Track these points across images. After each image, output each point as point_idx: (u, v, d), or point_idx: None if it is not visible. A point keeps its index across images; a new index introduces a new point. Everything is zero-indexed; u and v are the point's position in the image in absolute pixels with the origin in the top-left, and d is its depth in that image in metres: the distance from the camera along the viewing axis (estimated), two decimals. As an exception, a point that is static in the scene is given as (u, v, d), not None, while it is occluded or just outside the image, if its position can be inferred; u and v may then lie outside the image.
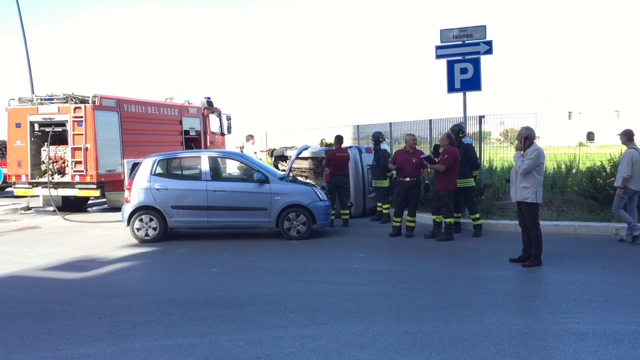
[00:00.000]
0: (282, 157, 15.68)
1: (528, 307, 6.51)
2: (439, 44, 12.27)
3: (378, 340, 5.31)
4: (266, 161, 16.11)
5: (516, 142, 8.81)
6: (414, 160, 11.08)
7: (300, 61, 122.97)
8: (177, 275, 8.42)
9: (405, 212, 11.30)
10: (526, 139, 8.31)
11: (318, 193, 11.33)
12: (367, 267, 8.62)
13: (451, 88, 12.27)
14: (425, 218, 12.58)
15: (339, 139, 13.29)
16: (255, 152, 15.67)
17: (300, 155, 13.64)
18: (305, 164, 14.76)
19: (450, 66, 12.17)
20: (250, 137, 16.30)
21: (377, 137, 13.62)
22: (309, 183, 12.81)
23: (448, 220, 10.68)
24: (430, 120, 15.21)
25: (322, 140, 16.05)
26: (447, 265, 8.88)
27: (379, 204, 13.26)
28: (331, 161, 12.90)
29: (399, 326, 5.71)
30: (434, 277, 8.06)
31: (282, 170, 14.22)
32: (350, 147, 14.55)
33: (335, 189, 12.87)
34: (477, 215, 11.16)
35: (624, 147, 10.14)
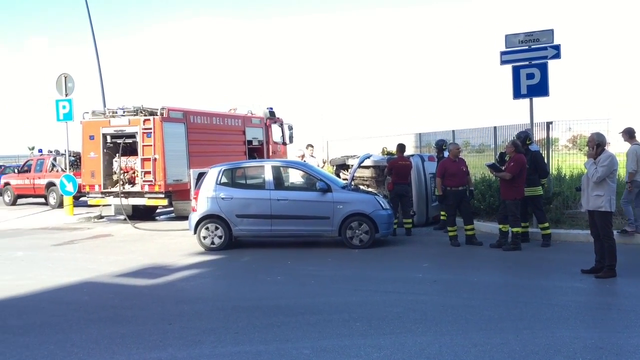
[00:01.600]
0: (344, 166, 15.71)
1: (603, 320, 6.24)
2: (504, 49, 12.01)
3: (445, 351, 5.22)
4: (327, 170, 16.18)
5: (586, 148, 8.50)
6: (463, 169, 11.07)
7: (361, 69, 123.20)
8: (243, 283, 8.57)
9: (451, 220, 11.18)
10: (598, 145, 8.00)
11: (380, 202, 11.29)
12: (431, 277, 8.50)
13: (517, 94, 11.97)
14: (490, 227, 12.30)
15: (401, 147, 13.21)
16: (319, 163, 15.78)
17: (362, 164, 13.63)
18: (367, 173, 14.73)
19: (516, 72, 11.88)
20: (309, 147, 16.43)
21: (441, 145, 13.45)
22: (371, 192, 12.77)
23: (515, 229, 10.40)
24: (495, 127, 14.89)
25: (383, 149, 15.97)
26: (514, 275, 8.64)
27: (442, 213, 13.06)
28: (393, 169, 12.83)
29: (466, 338, 5.60)
30: (501, 288, 7.86)
31: (344, 179, 14.25)
32: (412, 155, 14.42)
33: (398, 197, 12.78)
34: (546, 225, 10.81)
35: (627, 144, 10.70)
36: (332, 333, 5.84)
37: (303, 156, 15.88)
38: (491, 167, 10.75)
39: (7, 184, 22.89)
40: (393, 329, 5.93)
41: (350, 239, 11.00)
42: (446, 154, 13.53)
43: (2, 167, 28.77)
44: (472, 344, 5.41)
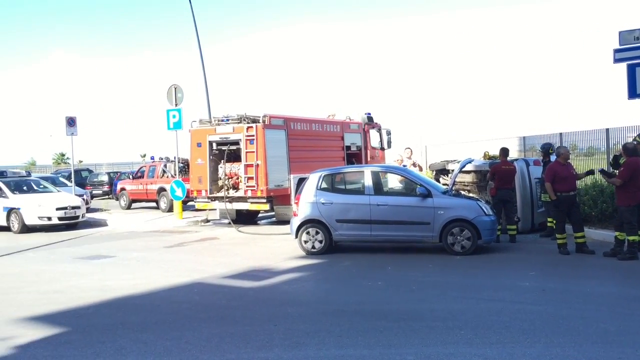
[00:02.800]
0: (444, 171, 15.44)
1: None
2: (617, 47, 11.34)
3: (556, 364, 5.01)
4: (427, 175, 15.98)
5: None
6: (574, 173, 10.65)
7: (461, 71, 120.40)
8: (344, 287, 8.66)
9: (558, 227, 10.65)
10: None
11: (483, 207, 11.00)
12: (539, 286, 8.17)
13: (632, 94, 11.26)
14: (602, 235, 11.63)
15: (504, 151, 12.80)
16: (414, 166, 15.63)
17: (463, 169, 13.34)
18: (468, 178, 14.40)
19: (631, 70, 11.18)
20: (408, 150, 16.29)
21: (547, 149, 12.89)
22: (473, 197, 12.49)
23: (631, 238, 9.75)
24: (607, 130, 14.06)
25: (485, 153, 15.54)
26: (631, 287, 8.12)
27: (549, 219, 12.50)
28: (496, 174, 12.46)
29: (580, 351, 5.33)
30: (617, 299, 7.40)
31: (444, 184, 14.01)
32: (516, 159, 13.93)
33: (501, 203, 12.39)
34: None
35: None
36: (436, 340, 5.77)
37: (401, 161, 15.80)
38: (602, 173, 10.25)
39: (122, 189, 24.51)
40: (500, 339, 5.76)
41: (452, 245, 10.80)
42: (553, 157, 12.96)
43: (118, 174, 30.85)
44: (587, 357, 5.15)
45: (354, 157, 20.08)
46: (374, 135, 21.49)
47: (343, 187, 11.97)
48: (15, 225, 16.96)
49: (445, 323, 6.35)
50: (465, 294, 7.82)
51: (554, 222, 12.13)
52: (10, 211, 17.05)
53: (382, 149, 22.02)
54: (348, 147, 19.71)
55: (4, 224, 17.16)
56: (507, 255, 10.87)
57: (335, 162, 17.77)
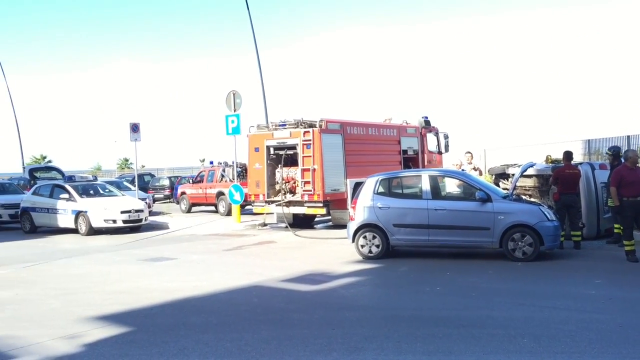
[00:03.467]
0: (503, 175, 15.10)
1: None
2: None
3: (626, 376, 4.81)
4: (486, 179, 15.66)
5: None
6: None
7: (521, 73, 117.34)
8: (402, 292, 8.60)
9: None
10: None
11: (546, 213, 10.69)
12: (606, 294, 7.87)
13: None
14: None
15: (567, 154, 12.41)
16: (475, 170, 15.35)
17: (524, 173, 13.01)
18: (529, 182, 14.01)
19: None
20: (468, 154, 16.02)
21: (617, 152, 12.39)
22: (535, 202, 12.15)
23: None
24: (679, 131, 13.42)
25: (547, 157, 15.10)
26: None
27: (615, 225, 12.02)
28: (559, 179, 12.09)
29: (651, 363, 5.11)
30: (692, 310, 7.04)
31: (504, 189, 13.70)
32: (580, 163, 13.47)
33: (565, 208, 12.00)
34: None
35: None
36: (498, 348, 5.65)
37: (460, 165, 15.55)
38: None
39: (183, 193, 25.14)
40: (564, 348, 5.58)
41: (513, 251, 10.54)
42: (622, 161, 12.48)
43: (179, 178, 31.65)
44: (659, 370, 4.92)
45: (410, 161, 19.92)
46: (431, 139, 21.26)
47: (400, 191, 11.89)
48: (82, 228, 17.67)
49: (507, 331, 6.21)
50: (527, 302, 7.62)
51: (621, 228, 11.66)
52: (78, 214, 17.78)
53: (440, 153, 21.75)
54: (405, 151, 19.58)
55: (73, 226, 17.91)
56: (571, 262, 10.52)
57: (392, 167, 17.66)
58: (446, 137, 21.88)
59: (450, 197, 11.63)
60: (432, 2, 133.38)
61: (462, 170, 14.64)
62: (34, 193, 19.79)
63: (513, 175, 13.88)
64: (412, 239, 11.38)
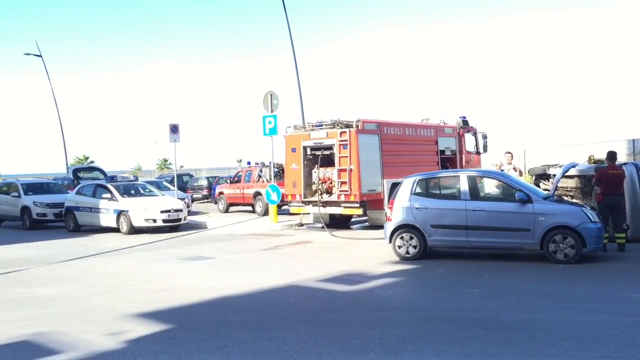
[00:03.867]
0: (544, 176, 14.81)
1: None
2: None
3: (674, 382, 4.67)
4: (526, 179, 15.39)
5: None
6: None
7: (562, 72, 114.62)
8: (440, 294, 8.52)
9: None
10: None
11: (588, 214, 10.44)
12: (653, 299, 7.64)
13: None
14: None
15: (611, 154, 12.10)
16: (515, 170, 15.10)
17: (565, 173, 12.74)
18: (571, 183, 13.71)
19: None
20: (508, 154, 15.76)
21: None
22: (577, 203, 11.89)
23: None
24: None
25: (590, 157, 14.75)
26: None
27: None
28: (602, 179, 11.79)
29: (701, 369, 4.94)
30: None
31: (545, 190, 13.44)
32: (625, 163, 13.10)
33: (608, 209, 11.69)
34: None
35: None
36: (539, 352, 5.55)
37: (500, 165, 15.32)
38: None
39: (221, 193, 25.43)
40: (609, 353, 5.45)
41: (554, 253, 10.32)
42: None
43: (217, 178, 32.03)
44: None
45: (448, 161, 19.72)
46: (469, 140, 21.01)
47: (438, 192, 11.77)
48: (124, 227, 18.05)
49: (548, 334, 6.09)
50: (569, 305, 7.46)
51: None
52: (120, 213, 18.17)
53: (478, 153, 21.47)
54: (442, 152, 19.39)
55: (114, 225, 18.32)
56: (615, 265, 10.26)
57: (429, 167, 17.51)
58: (484, 137, 21.58)
59: (489, 198, 11.47)
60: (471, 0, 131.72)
61: (502, 170, 14.42)
62: (77, 193, 20.30)
63: (554, 175, 13.61)
64: (450, 240, 11.27)
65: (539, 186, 14.39)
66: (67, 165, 42.20)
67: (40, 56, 41.69)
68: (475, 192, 11.22)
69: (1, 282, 10.39)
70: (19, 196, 21.34)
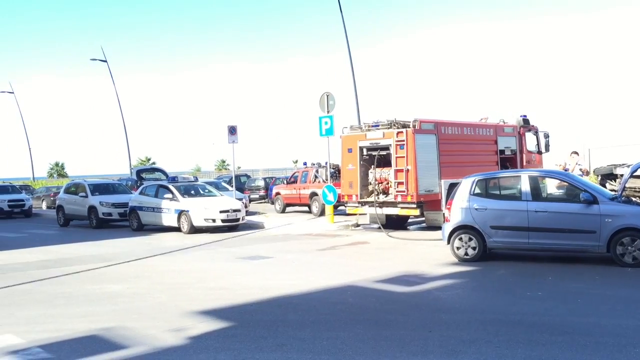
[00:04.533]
0: (610, 176, 14.29)
1: None
2: None
3: None
4: (591, 180, 14.87)
5: None
6: None
7: (628, 68, 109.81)
8: (500, 296, 8.35)
9: None
10: None
11: (659, 216, 9.98)
12: None
13: None
14: None
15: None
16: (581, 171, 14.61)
17: (634, 173, 12.22)
18: (640, 183, 13.14)
19: None
20: (574, 154, 15.26)
21: None
22: (646, 204, 11.36)
23: None
24: None
25: (661, 156, 14.13)
26: None
27: None
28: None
29: None
30: None
31: (612, 190, 12.94)
32: (699, 162, 12.44)
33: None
34: None
35: None
36: (606, 357, 5.37)
37: (565, 165, 14.87)
38: None
39: (277, 193, 25.74)
40: (683, 361, 5.20)
41: (622, 256, 9.93)
42: None
43: (273, 179, 32.42)
44: None
45: (508, 161, 19.26)
46: (530, 139, 20.44)
47: (498, 192, 11.53)
48: (184, 226, 18.53)
49: (617, 340, 5.87)
50: (639, 310, 7.16)
51: None
52: (180, 213, 18.66)
53: (540, 152, 20.86)
54: (502, 151, 18.95)
55: (175, 224, 18.83)
56: (688, 269, 9.76)
57: (488, 167, 17.15)
58: (546, 136, 20.95)
59: (552, 199, 11.16)
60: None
61: (566, 170, 13.98)
62: (140, 193, 20.98)
63: (621, 175, 13.09)
64: (510, 242, 11.01)
65: (605, 186, 13.89)
66: (130, 166, 43.70)
67: (106, 61, 43.39)
68: (537, 193, 10.92)
69: (71, 279, 10.87)
70: (86, 196, 22.25)
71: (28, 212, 29.75)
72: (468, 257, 11.10)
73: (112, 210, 21.63)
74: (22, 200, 29.97)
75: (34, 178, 57.49)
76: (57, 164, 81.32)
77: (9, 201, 29.47)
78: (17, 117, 56.19)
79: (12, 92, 54.33)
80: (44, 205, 34.49)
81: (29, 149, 56.35)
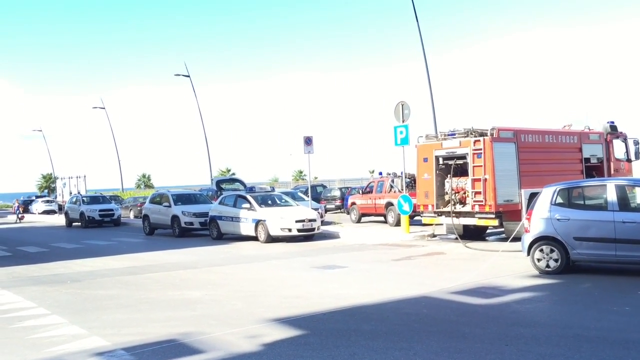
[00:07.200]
0: None
1: None
2: None
3: None
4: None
5: None
6: None
7: None
8: (584, 311, 7.97)
9: None
10: None
11: None
12: None
13: None
14: None
15: None
16: None
17: None
18: None
19: None
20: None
21: None
22: None
23: None
24: None
25: None
26: None
27: None
28: None
29: None
30: None
31: None
32: None
33: None
34: None
35: None
36: (701, 379, 5.00)
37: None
38: None
39: (353, 203, 25.78)
40: None
41: None
42: None
43: (349, 189, 32.53)
44: None
45: (594, 169, 18.37)
46: (618, 146, 19.42)
47: (581, 202, 11.02)
48: (261, 236, 18.91)
49: None
50: None
51: None
52: (258, 223, 19.08)
53: (629, 160, 19.76)
54: (587, 160, 18.10)
55: (253, 234, 19.26)
56: None
57: (572, 176, 16.43)
58: (636, 143, 19.82)
59: (642, 209, 10.54)
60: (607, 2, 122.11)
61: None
62: (220, 203, 21.63)
63: None
64: (595, 254, 10.48)
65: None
66: (211, 177, 45.14)
67: (189, 76, 45.13)
68: (625, 203, 10.35)
69: (155, 285, 11.35)
70: (170, 206, 23.21)
71: (117, 221, 31.40)
72: (549, 269, 10.68)
73: (194, 220, 22.41)
74: (112, 210, 31.68)
75: (122, 189, 60.55)
76: (144, 175, 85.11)
77: (100, 211, 31.24)
78: (107, 131, 59.13)
79: (103, 108, 57.44)
80: (131, 215, 36.26)
81: (119, 160, 59.34)
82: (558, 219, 10.66)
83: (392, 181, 23.67)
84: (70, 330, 7.72)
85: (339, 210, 31.59)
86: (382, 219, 23.93)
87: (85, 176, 38.91)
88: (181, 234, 22.42)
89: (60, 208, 41.00)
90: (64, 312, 8.89)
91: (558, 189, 10.98)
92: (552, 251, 10.69)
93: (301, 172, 70.67)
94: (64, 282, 11.98)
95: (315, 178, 53.78)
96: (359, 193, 26.43)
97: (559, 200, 10.87)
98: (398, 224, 20.72)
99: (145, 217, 24.81)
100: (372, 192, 24.61)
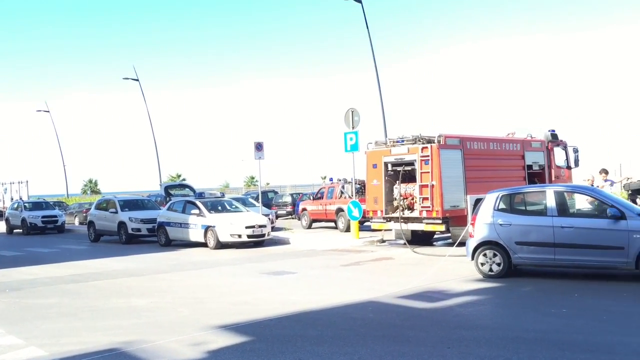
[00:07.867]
0: (641, 191, 13.97)
1: None
2: None
3: None
4: (621, 195, 14.56)
5: None
6: None
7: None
8: (524, 313, 8.21)
9: None
10: None
11: (690, 231, 9.71)
12: None
13: None
14: None
15: None
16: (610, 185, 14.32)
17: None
18: (672, 198, 12.84)
19: None
20: (603, 172, 14.97)
21: None
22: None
23: None
24: None
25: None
26: None
27: None
28: None
29: None
30: None
31: (642, 205, 12.63)
32: None
33: None
34: None
35: None
36: (629, 377, 5.23)
37: (592, 180, 14.60)
38: None
39: (304, 209, 25.79)
40: None
41: (651, 273, 9.68)
42: None
43: (300, 195, 32.53)
44: None
45: (536, 176, 19.00)
46: (559, 154, 20.17)
47: (523, 207, 11.37)
48: (211, 242, 18.69)
49: (641, 358, 5.72)
50: (666, 328, 6.97)
51: None
52: (207, 229, 18.84)
53: (569, 167, 20.55)
54: (529, 167, 18.72)
55: (202, 240, 19.01)
56: None
57: (515, 182, 16.93)
58: (576, 150, 20.62)
59: (579, 214, 10.96)
60: (547, 14, 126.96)
61: (594, 186, 13.73)
62: (168, 209, 21.26)
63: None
64: (536, 258, 10.82)
65: (635, 202, 13.58)
66: (160, 182, 44.33)
67: (137, 80, 44.32)
68: (563, 208, 10.74)
69: (98, 293, 11.06)
70: (116, 212, 22.64)
71: (61, 228, 30.42)
72: (492, 273, 10.96)
73: (141, 226, 21.93)
74: (56, 216, 30.68)
75: (68, 195, 58.75)
76: (90, 181, 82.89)
77: (43, 217, 30.19)
78: (52, 135, 57.32)
79: (48, 111, 55.70)
80: (76, 221, 35.20)
81: (64, 165, 57.60)
82: (500, 224, 10.96)
83: (343, 187, 23.81)
84: (6, 341, 7.44)
85: (290, 216, 31.55)
86: (333, 224, 24.03)
87: (27, 181, 37.75)
88: (128, 240, 21.92)
89: (1, 214, 39.53)
90: (1, 322, 8.57)
91: (501, 195, 11.29)
92: (495, 255, 10.97)
93: (253, 178, 70.32)
94: (2, 291, 11.53)
95: (267, 184, 53.65)
96: (310, 199, 26.46)
97: (502, 205, 11.17)
98: (348, 229, 20.84)
99: (91, 224, 24.14)
100: (322, 198, 24.69)
